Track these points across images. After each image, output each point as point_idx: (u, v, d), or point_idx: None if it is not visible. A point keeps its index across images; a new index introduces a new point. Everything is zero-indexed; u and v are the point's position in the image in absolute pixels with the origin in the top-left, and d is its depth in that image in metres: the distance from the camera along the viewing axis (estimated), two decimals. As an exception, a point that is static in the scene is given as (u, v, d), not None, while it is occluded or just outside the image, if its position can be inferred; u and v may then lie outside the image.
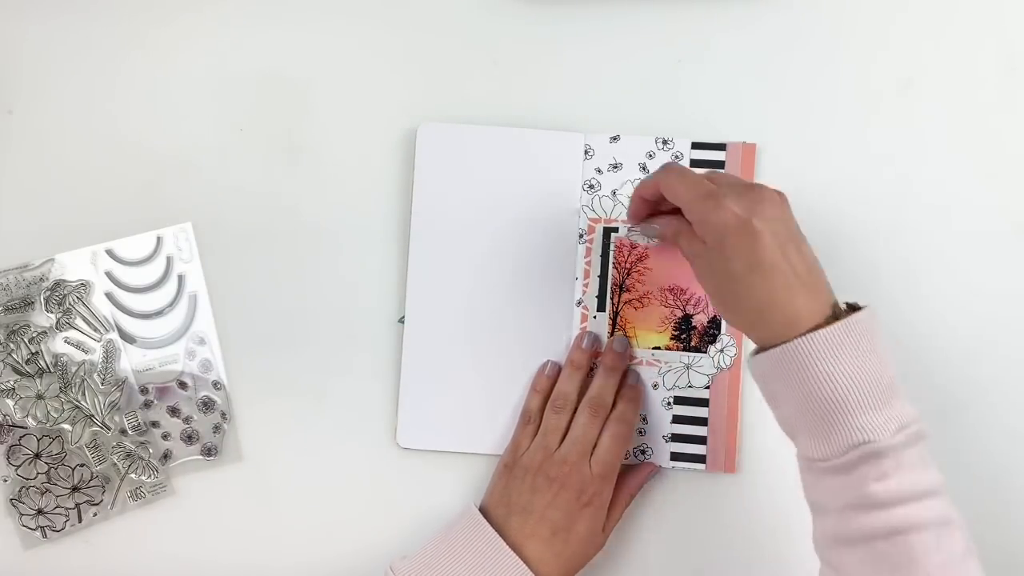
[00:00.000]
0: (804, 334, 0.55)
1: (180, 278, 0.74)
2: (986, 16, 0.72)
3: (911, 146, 0.72)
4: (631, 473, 0.71)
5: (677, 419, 0.72)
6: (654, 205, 0.65)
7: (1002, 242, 0.72)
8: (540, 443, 0.69)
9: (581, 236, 0.72)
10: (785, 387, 0.56)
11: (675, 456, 0.72)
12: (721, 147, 0.72)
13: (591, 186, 0.72)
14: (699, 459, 0.72)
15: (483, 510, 0.68)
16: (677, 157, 0.72)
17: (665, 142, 0.72)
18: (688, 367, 0.72)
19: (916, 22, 0.72)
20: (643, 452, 0.72)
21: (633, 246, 0.72)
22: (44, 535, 0.72)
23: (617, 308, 0.72)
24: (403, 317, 0.72)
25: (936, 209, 0.72)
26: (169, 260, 0.74)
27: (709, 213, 0.57)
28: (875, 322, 0.56)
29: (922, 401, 0.71)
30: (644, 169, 0.72)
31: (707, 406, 0.71)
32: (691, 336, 0.72)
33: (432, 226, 0.72)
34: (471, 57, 0.74)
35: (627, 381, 0.71)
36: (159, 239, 0.74)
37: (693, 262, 0.61)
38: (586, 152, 0.72)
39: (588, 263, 0.72)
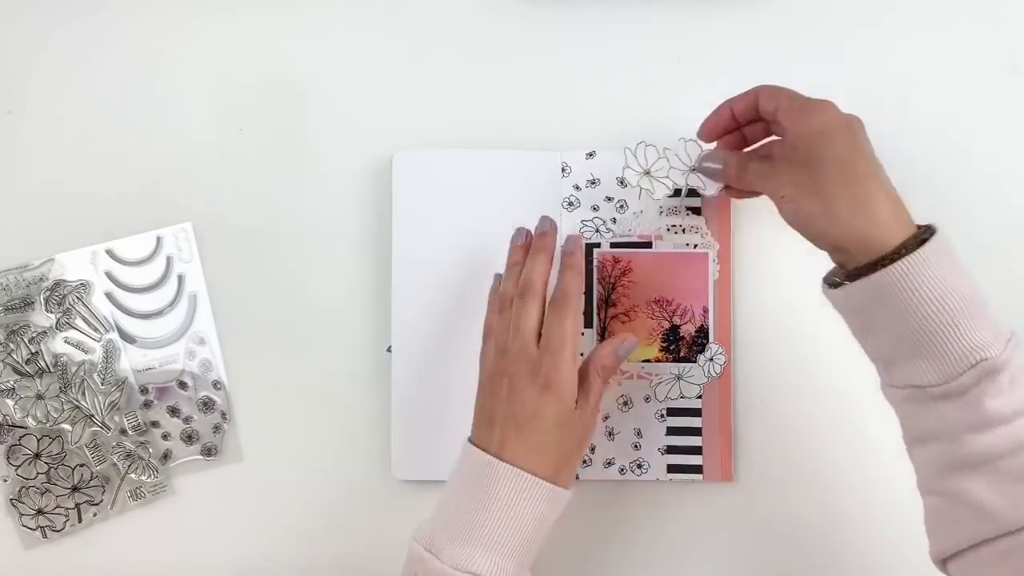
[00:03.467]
0: (895, 257, 0.54)
1: (180, 278, 0.74)
2: (987, 18, 0.72)
3: (908, 147, 0.72)
4: (602, 344, 0.66)
5: (671, 431, 0.71)
6: (731, 125, 0.65)
7: (1002, 242, 0.72)
8: (493, 346, 0.65)
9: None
10: (886, 314, 0.54)
11: (672, 468, 0.71)
12: None
13: (570, 203, 0.72)
14: (696, 470, 0.71)
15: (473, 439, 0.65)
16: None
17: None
18: (679, 378, 0.72)
19: (914, 23, 0.73)
20: (639, 466, 0.72)
21: (616, 260, 0.72)
22: (44, 535, 0.72)
23: (604, 323, 0.72)
24: (390, 346, 0.72)
25: (934, 208, 0.72)
26: (169, 260, 0.73)
27: (815, 111, 0.59)
28: (950, 237, 0.55)
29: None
30: (621, 183, 0.71)
31: (700, 416, 0.71)
32: (680, 347, 0.72)
33: (413, 253, 0.72)
34: (460, 75, 0.74)
35: (565, 250, 0.67)
36: (159, 239, 0.73)
37: (765, 182, 0.61)
38: (563, 170, 0.72)
39: (572, 281, 0.71)
